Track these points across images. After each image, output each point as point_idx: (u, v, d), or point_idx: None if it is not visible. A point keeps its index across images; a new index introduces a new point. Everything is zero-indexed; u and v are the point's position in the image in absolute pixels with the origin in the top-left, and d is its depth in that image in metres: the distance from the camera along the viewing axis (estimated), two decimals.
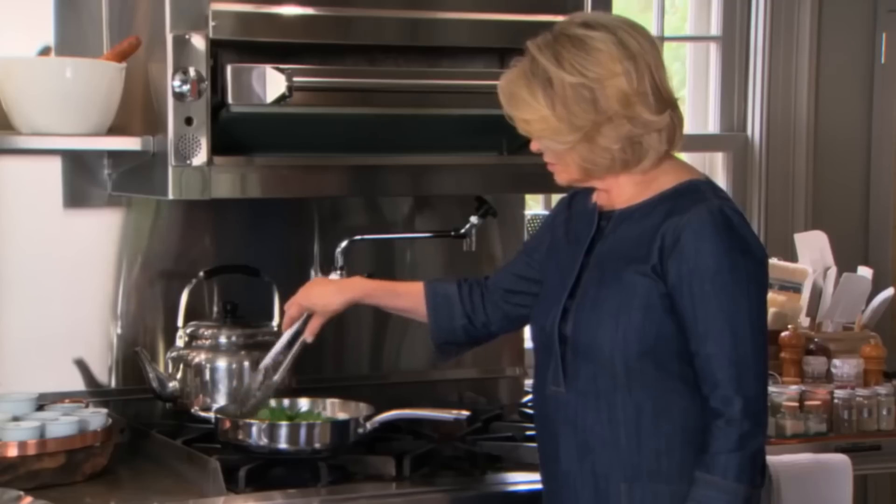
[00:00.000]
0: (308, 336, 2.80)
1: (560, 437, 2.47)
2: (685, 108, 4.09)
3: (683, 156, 2.76)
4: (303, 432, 2.80)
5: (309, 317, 2.79)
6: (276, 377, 2.88)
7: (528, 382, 3.63)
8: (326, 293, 2.79)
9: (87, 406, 2.99)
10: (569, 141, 2.40)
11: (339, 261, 3.32)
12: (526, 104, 2.41)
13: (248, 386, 2.91)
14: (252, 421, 2.82)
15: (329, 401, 2.99)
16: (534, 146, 2.48)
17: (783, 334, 3.55)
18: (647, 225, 2.42)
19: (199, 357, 3.12)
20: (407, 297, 2.79)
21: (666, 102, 2.41)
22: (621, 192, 2.48)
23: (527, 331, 2.86)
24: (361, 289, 2.79)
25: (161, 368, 3.16)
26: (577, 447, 2.45)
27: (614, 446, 2.41)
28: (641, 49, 2.39)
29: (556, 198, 3.86)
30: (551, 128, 2.40)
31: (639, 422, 2.39)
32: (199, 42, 2.80)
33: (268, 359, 2.87)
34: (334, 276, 3.12)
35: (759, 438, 2.37)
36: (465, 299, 2.74)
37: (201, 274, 3.21)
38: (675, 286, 2.36)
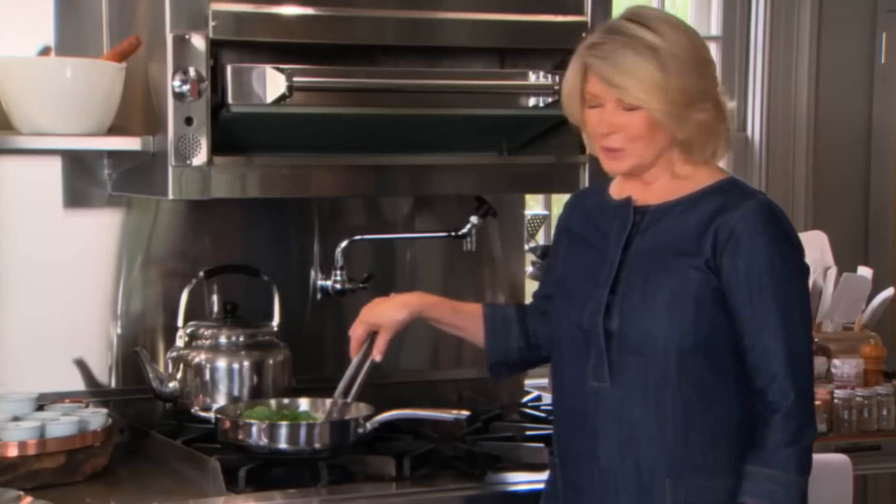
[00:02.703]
0: (377, 355, 2.74)
1: (600, 433, 2.45)
2: None
3: None
4: (303, 432, 2.79)
5: (373, 340, 2.74)
6: (349, 400, 2.84)
7: (529, 382, 3.64)
8: (390, 308, 2.74)
9: (87, 406, 2.99)
10: (679, 104, 2.37)
11: (339, 261, 3.33)
12: (639, 67, 2.36)
13: (327, 414, 2.90)
14: (252, 421, 2.82)
15: (329, 401, 2.99)
16: (613, 123, 2.41)
17: None
18: (692, 220, 2.42)
19: (199, 357, 3.12)
20: (466, 315, 2.76)
21: None
22: (661, 186, 2.48)
23: None
24: (425, 302, 2.75)
25: (161, 368, 3.15)
26: (621, 443, 2.43)
27: (661, 441, 2.40)
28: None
29: (556, 198, 3.88)
30: (662, 89, 2.36)
31: (687, 416, 2.39)
32: (199, 42, 2.80)
33: (340, 387, 2.82)
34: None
35: (813, 429, 2.40)
36: (521, 322, 2.72)
37: (201, 274, 3.21)
38: (730, 280, 2.37)
